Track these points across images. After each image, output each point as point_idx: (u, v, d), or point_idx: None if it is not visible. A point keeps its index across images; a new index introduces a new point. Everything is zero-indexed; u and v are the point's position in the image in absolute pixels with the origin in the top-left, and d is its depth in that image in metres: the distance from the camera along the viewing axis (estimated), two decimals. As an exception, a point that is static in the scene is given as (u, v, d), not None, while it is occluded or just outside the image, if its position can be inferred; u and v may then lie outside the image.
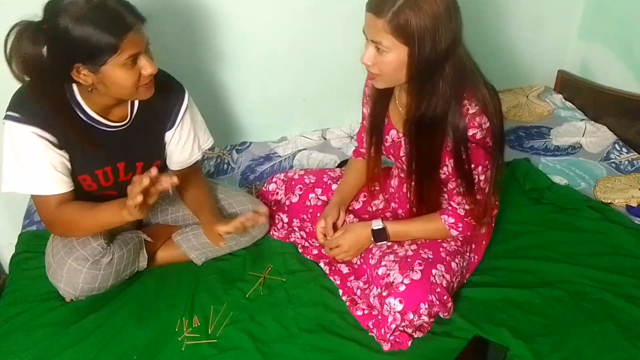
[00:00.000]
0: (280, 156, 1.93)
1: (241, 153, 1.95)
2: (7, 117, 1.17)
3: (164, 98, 1.30)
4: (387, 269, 1.22)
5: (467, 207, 1.24)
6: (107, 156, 1.31)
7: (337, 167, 1.84)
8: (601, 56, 2.03)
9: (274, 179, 1.61)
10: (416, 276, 1.18)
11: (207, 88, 1.84)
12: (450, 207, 1.28)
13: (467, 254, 1.34)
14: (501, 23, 2.04)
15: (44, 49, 1.09)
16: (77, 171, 1.27)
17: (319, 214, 1.48)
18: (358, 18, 1.79)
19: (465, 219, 1.26)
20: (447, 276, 1.21)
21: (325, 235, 1.38)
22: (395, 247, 1.30)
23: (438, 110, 1.12)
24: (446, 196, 1.31)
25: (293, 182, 1.56)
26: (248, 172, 1.87)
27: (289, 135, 2.03)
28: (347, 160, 1.83)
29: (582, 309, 1.27)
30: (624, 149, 1.82)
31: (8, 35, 1.08)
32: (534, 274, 1.38)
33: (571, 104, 2.10)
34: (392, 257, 1.25)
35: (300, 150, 1.95)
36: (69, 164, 1.24)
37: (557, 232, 1.51)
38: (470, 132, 1.14)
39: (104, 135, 1.27)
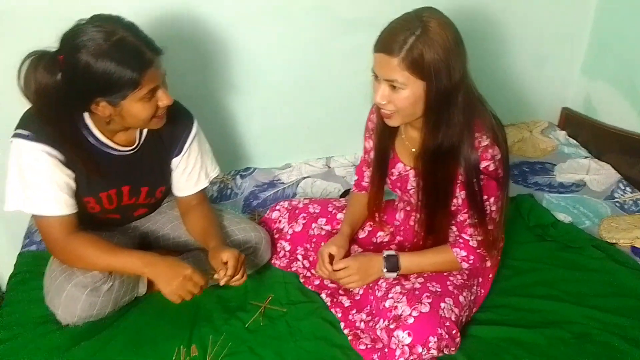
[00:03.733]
0: (284, 183, 1.93)
1: (245, 179, 1.94)
2: (16, 135, 1.18)
3: (172, 125, 1.30)
4: (395, 301, 1.20)
5: (479, 238, 1.24)
6: (113, 179, 1.31)
7: (341, 196, 1.84)
8: (604, 94, 2.05)
9: (278, 207, 1.61)
10: (425, 309, 1.16)
11: (214, 115, 1.85)
12: (461, 240, 1.27)
13: (474, 287, 1.33)
14: (506, 60, 2.06)
15: (58, 78, 1.10)
16: (82, 193, 1.27)
17: (322, 244, 1.46)
18: (362, 51, 1.82)
19: (477, 251, 1.26)
20: (456, 310, 1.20)
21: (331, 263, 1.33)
22: (402, 280, 1.29)
23: (454, 139, 1.13)
24: (454, 229, 1.30)
25: (297, 211, 1.55)
26: (251, 198, 1.86)
27: (293, 162, 2.03)
28: (351, 189, 1.85)
29: (586, 352, 1.25)
30: (627, 188, 1.82)
31: (22, 63, 1.10)
32: (538, 313, 1.36)
33: (575, 141, 2.11)
34: (399, 289, 1.24)
35: (304, 178, 1.94)
36: (74, 185, 1.24)
37: (561, 271, 1.50)
38: (483, 165, 1.15)
39: (110, 159, 1.27)
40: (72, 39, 1.09)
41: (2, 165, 1.22)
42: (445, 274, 1.29)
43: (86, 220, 1.30)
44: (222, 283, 1.26)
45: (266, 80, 1.84)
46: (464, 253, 1.27)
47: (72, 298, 1.22)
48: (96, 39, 1.07)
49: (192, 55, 1.72)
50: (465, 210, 1.22)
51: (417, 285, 1.24)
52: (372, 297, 1.32)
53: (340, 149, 2.06)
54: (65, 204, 1.22)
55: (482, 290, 1.37)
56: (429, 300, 1.18)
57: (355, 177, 1.53)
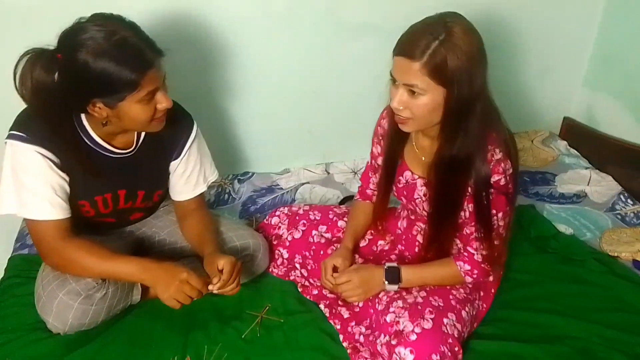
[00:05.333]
0: (282, 189, 1.90)
1: (243, 183, 1.92)
2: (10, 137, 1.15)
3: (172, 127, 1.28)
4: (396, 316, 1.18)
5: (484, 252, 1.22)
6: (109, 183, 1.28)
7: (340, 203, 1.82)
8: (607, 106, 2.04)
9: (277, 213, 1.58)
10: (427, 325, 1.14)
11: (213, 117, 1.82)
12: (466, 253, 1.25)
13: (477, 301, 1.31)
14: (509, 69, 2.04)
15: (55, 77, 1.07)
16: (76, 196, 1.24)
17: (322, 252, 1.44)
18: (368, 56, 1.83)
19: (482, 265, 1.24)
20: (458, 326, 1.18)
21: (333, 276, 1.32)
22: (404, 293, 1.26)
23: (470, 149, 1.11)
24: (458, 241, 1.28)
25: (297, 217, 1.52)
26: (249, 204, 1.83)
27: (292, 168, 2.00)
28: (350, 196, 1.82)
29: (589, 368, 1.23)
30: (629, 200, 1.81)
31: (19, 61, 1.07)
32: (539, 328, 1.34)
33: (576, 151, 2.10)
34: (400, 303, 1.21)
35: (303, 184, 1.92)
36: (68, 188, 1.21)
37: (562, 284, 1.47)
38: (494, 179, 1.13)
39: (107, 162, 1.24)
40: (71, 37, 1.06)
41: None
42: (447, 287, 1.27)
43: (80, 224, 1.27)
44: (214, 290, 1.23)
45: (267, 84, 1.81)
46: (467, 267, 1.25)
47: (64, 306, 1.19)
48: (96, 38, 1.04)
49: (193, 57, 1.69)
50: (472, 223, 1.20)
51: (420, 300, 1.22)
52: (372, 310, 1.29)
53: (340, 154, 2.04)
54: (60, 207, 1.19)
55: (484, 305, 1.35)
56: (432, 316, 1.16)
57: (360, 184, 1.51)
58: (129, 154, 1.27)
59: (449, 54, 1.01)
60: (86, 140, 1.21)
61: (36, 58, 1.07)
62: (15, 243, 1.60)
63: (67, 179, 1.20)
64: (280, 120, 1.91)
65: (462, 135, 1.10)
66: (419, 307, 1.18)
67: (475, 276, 1.25)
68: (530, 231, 1.66)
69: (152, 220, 1.51)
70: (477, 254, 1.24)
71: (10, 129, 1.16)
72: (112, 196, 1.30)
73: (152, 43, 1.10)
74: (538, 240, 1.63)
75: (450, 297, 1.24)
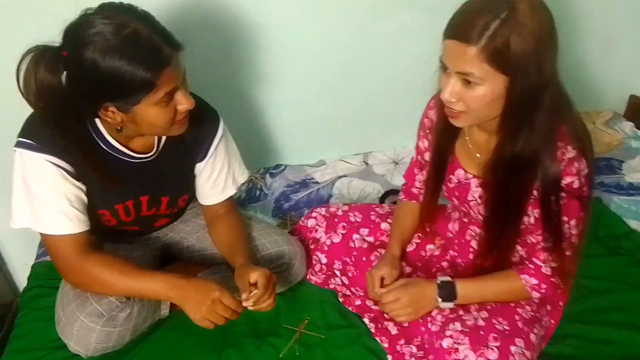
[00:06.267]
0: (317, 183, 1.76)
1: (275, 177, 1.78)
2: (18, 145, 1.04)
3: (196, 127, 1.14)
4: (455, 342, 1.03)
5: (553, 264, 1.05)
6: (129, 190, 1.16)
7: (381, 198, 1.67)
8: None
9: (314, 214, 1.44)
10: (492, 355, 0.99)
11: (241, 107, 1.69)
12: (532, 265, 1.09)
13: (544, 319, 1.15)
14: (567, 41, 1.80)
15: (63, 77, 0.95)
16: (95, 205, 1.13)
17: (364, 258, 1.30)
18: (406, 33, 1.64)
19: (551, 279, 1.08)
20: (528, 353, 1.02)
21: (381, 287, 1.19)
22: (461, 312, 1.11)
23: (536, 146, 0.95)
24: (519, 247, 1.13)
25: (335, 219, 1.39)
26: (282, 200, 1.70)
27: (327, 159, 1.86)
28: (392, 190, 1.67)
29: (679, 396, 1.07)
30: None
31: (22, 60, 0.94)
32: (615, 346, 1.18)
33: (644, 134, 1.88)
34: (458, 325, 1.06)
35: (340, 177, 1.77)
36: (85, 198, 1.10)
37: (639, 292, 1.30)
38: (566, 181, 0.97)
39: (126, 167, 1.13)
40: (77, 32, 0.93)
41: (7, 175, 1.09)
42: (511, 304, 1.11)
43: (101, 232, 1.17)
44: (248, 306, 1.10)
45: (298, 69, 1.66)
46: (534, 281, 1.08)
47: (86, 329, 1.08)
48: (104, 33, 0.90)
49: (216, 42, 1.54)
50: (539, 231, 1.04)
51: (481, 323, 1.06)
52: (423, 329, 1.15)
53: (378, 143, 1.87)
54: (77, 220, 1.08)
55: (552, 321, 1.19)
56: (497, 344, 1.00)
57: (404, 182, 1.35)
58: (149, 158, 1.15)
59: (513, 36, 0.85)
60: (102, 145, 1.09)
61: (40, 57, 0.94)
62: (38, 249, 1.52)
63: (84, 188, 1.09)
64: (312, 108, 1.76)
65: (526, 130, 0.94)
66: (481, 332, 1.03)
67: (543, 291, 1.09)
68: (598, 229, 1.48)
69: (180, 225, 1.39)
70: (545, 266, 1.07)
71: (18, 136, 1.05)
72: (134, 203, 1.19)
73: (169, 35, 0.96)
74: (608, 239, 1.46)
75: (517, 317, 1.08)
